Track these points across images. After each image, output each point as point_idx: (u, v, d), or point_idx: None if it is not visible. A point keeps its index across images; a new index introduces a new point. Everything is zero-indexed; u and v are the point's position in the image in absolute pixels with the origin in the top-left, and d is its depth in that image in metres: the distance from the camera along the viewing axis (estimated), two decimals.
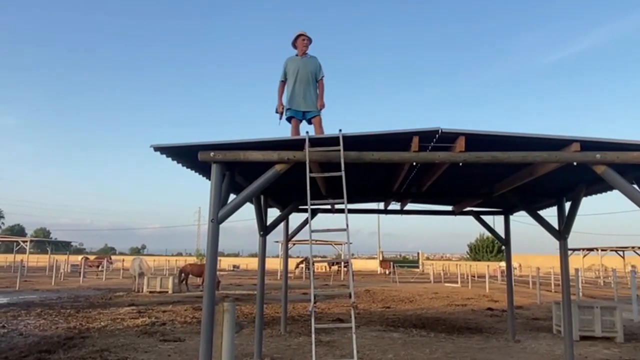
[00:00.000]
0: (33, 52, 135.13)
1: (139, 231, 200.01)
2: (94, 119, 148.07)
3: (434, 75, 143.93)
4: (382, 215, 11.60)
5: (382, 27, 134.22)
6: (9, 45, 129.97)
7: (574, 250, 37.75)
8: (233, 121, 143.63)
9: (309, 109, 6.67)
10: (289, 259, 13.38)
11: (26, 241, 46.22)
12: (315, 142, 5.11)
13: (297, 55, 6.91)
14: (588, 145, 4.83)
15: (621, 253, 42.48)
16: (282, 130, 6.78)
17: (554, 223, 8.31)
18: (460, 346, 9.52)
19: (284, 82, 6.86)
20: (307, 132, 5.41)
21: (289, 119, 6.72)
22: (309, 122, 6.73)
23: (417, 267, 57.79)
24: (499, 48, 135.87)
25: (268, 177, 5.11)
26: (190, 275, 23.15)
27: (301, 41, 6.87)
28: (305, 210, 9.55)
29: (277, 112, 6.80)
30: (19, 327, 10.98)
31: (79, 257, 43.45)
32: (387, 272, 43.56)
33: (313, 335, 4.71)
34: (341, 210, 10.22)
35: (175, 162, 5.55)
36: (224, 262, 54.35)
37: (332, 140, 5.02)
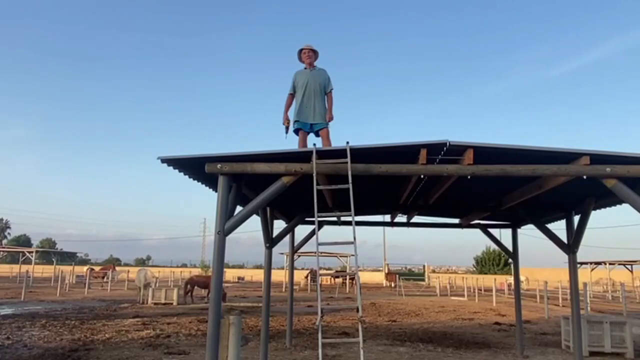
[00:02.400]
0: (41, 63, 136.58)
1: (144, 242, 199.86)
2: (100, 130, 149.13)
3: (442, 87, 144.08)
4: (388, 228, 11.55)
5: (390, 39, 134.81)
6: (18, 56, 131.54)
7: (581, 263, 37.34)
8: (240, 133, 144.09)
9: (317, 121, 6.67)
10: (294, 271, 13.30)
11: (32, 252, 46.22)
12: (322, 154, 5.09)
13: (305, 68, 6.93)
14: (598, 158, 4.79)
15: (629, 267, 42.05)
16: (289, 144, 6.78)
17: (562, 236, 8.23)
18: None
19: (292, 95, 6.86)
20: (314, 144, 5.39)
21: (296, 131, 6.72)
22: (317, 135, 6.72)
23: (423, 279, 57.35)
24: (506, 60, 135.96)
25: (275, 189, 5.09)
26: (196, 287, 23.11)
27: (304, 55, 6.88)
28: (312, 222, 9.53)
29: (284, 124, 6.80)
30: (24, 338, 10.95)
31: (84, 268, 43.49)
32: (392, 285, 43.28)
33: (320, 350, 4.65)
34: (347, 223, 10.21)
35: (182, 173, 5.55)
36: (229, 274, 54.16)
37: (340, 153, 5.00)
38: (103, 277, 40.17)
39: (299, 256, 32.02)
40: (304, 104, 6.66)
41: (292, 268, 12.22)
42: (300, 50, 6.91)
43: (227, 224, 5.01)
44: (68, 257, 61.37)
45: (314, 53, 6.91)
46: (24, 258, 48.53)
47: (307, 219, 9.11)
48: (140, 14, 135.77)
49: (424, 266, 66.19)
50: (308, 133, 6.71)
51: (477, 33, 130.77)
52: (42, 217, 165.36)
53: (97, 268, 49.49)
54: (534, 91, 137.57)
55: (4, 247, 64.16)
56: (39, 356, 8.93)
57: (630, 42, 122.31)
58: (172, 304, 20.73)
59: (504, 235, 11.37)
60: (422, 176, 5.80)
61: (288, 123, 6.73)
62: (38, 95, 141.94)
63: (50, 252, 61.39)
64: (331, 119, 6.73)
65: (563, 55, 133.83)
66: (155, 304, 20.68)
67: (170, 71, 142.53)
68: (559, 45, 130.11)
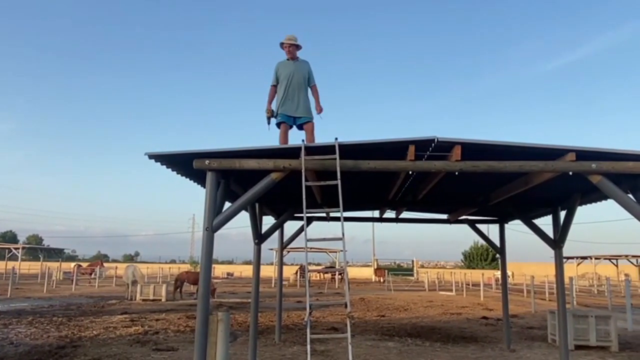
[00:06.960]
0: (28, 58, 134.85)
1: (132, 238, 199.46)
2: (88, 125, 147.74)
3: (430, 83, 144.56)
4: (377, 223, 11.58)
5: (378, 36, 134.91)
6: (5, 50, 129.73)
7: (567, 258, 37.85)
8: (228, 128, 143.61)
9: (301, 114, 6.57)
10: (284, 267, 13.31)
11: (18, 248, 45.72)
12: (311, 150, 5.09)
13: (288, 59, 6.78)
14: (584, 155, 4.84)
15: (614, 261, 42.68)
16: (272, 135, 6.72)
17: (549, 232, 8.32)
18: (455, 355, 9.47)
19: (275, 87, 6.72)
20: (303, 140, 5.38)
21: (278, 124, 6.63)
22: (300, 128, 6.64)
23: (412, 275, 57.67)
24: (495, 56, 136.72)
25: (263, 186, 5.08)
26: (185, 283, 23.03)
27: (285, 48, 6.73)
28: (301, 218, 9.53)
29: (267, 115, 6.66)
30: (10, 335, 10.84)
31: (72, 265, 43.11)
32: (381, 280, 43.48)
33: (309, 346, 4.67)
34: (336, 219, 10.21)
35: (170, 169, 5.51)
36: (218, 270, 54.03)
37: (328, 149, 5.00)
38: (91, 274, 39.88)
39: (288, 252, 32.03)
40: (288, 97, 6.53)
41: (281, 264, 12.21)
42: (282, 44, 6.73)
43: (215, 220, 4.99)
44: (55, 254, 60.66)
45: (296, 47, 6.76)
46: (10, 254, 47.96)
47: (296, 214, 9.11)
48: (127, 8, 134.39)
49: (412, 261, 66.54)
50: (290, 127, 6.63)
51: (466, 28, 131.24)
52: (29, 213, 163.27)
53: (84, 264, 49.13)
54: (522, 88, 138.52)
55: None
56: (26, 353, 8.85)
57: (616, 40, 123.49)
58: (160, 300, 20.64)
59: (492, 230, 11.49)
60: (410, 172, 5.83)
61: (271, 114, 6.61)
62: (24, 90, 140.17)
63: (37, 249, 60.72)
64: (321, 110, 6.67)
65: (553, 52, 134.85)
66: (143, 300, 20.57)
67: (161, 66, 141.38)
68: (549, 41, 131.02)
